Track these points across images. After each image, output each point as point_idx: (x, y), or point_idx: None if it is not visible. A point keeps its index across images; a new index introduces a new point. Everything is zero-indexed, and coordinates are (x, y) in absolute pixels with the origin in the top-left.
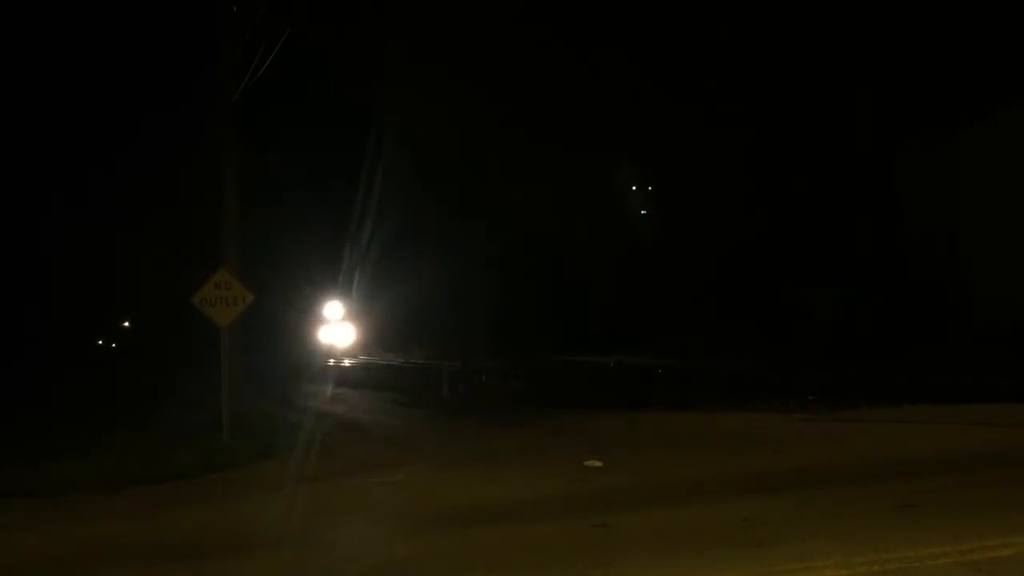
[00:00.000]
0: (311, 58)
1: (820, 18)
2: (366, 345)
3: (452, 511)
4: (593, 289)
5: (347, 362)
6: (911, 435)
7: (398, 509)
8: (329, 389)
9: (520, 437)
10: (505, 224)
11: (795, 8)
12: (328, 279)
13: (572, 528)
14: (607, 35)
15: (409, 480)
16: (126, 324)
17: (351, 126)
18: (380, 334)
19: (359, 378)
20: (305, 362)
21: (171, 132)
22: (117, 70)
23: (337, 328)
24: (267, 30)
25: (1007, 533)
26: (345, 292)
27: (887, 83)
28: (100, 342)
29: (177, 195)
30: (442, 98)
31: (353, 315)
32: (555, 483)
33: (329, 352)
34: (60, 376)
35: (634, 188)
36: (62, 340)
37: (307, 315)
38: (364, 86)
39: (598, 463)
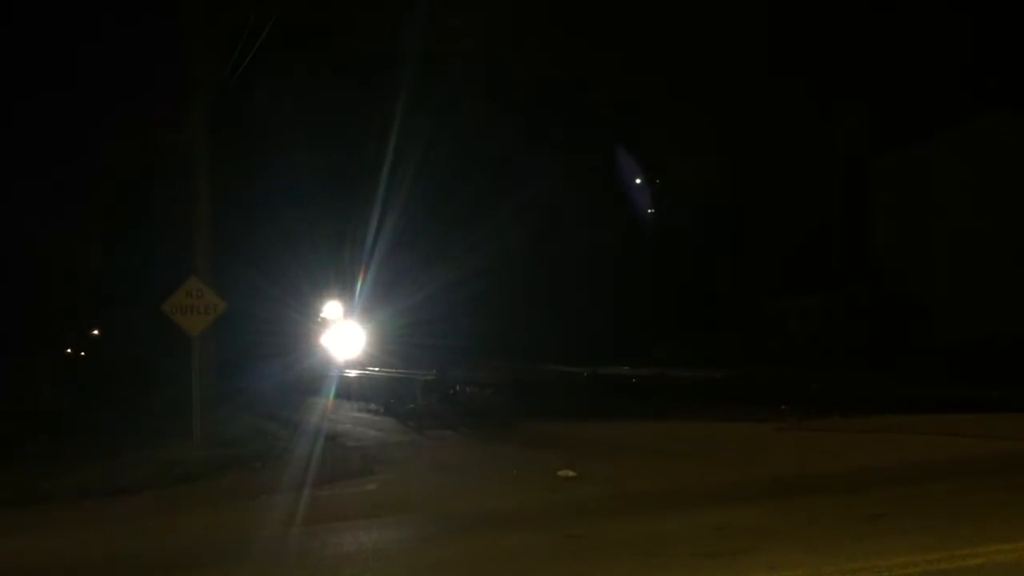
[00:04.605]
0: (314, 52)
1: (796, 34)
2: (369, 355)
3: (424, 521)
4: (569, 299)
5: (353, 373)
6: (882, 445)
7: (370, 519)
8: (302, 399)
9: (493, 446)
10: (496, 235)
11: (771, 22)
12: (329, 285)
13: (546, 538)
14: (600, 38)
15: (381, 490)
16: (95, 332)
17: (351, 124)
18: (378, 342)
19: (336, 388)
20: (294, 372)
21: (145, 128)
22: (84, 70)
23: (341, 335)
24: (249, 19)
25: (976, 542)
26: (348, 298)
27: (863, 97)
28: (69, 350)
29: (150, 202)
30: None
31: (360, 322)
32: (529, 493)
33: (331, 362)
34: (29, 386)
35: (638, 181)
36: (30, 348)
37: (305, 321)
38: (367, 82)
39: (572, 473)
